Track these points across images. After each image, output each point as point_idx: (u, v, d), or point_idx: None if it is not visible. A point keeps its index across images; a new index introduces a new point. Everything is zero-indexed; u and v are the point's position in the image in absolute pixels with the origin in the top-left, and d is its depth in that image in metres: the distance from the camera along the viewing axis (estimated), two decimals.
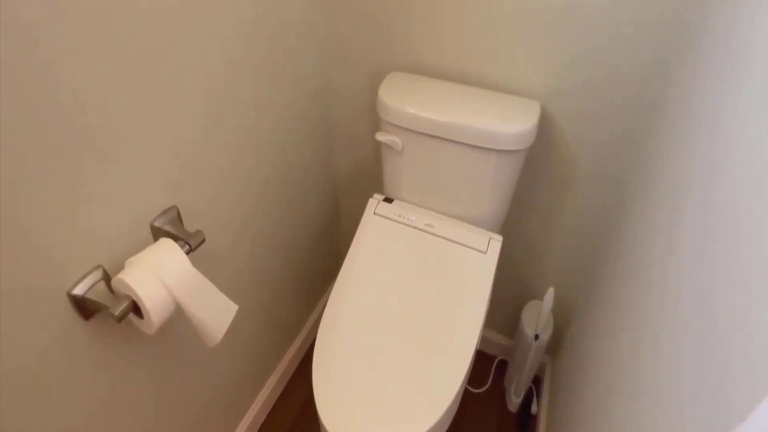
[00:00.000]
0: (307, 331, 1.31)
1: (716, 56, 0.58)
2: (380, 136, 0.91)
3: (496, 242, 0.90)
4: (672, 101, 0.71)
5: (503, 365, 1.33)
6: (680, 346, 0.44)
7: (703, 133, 0.54)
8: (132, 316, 0.60)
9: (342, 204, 1.30)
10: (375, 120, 1.08)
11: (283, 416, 1.20)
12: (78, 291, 0.56)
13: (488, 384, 1.28)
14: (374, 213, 0.96)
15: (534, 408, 1.19)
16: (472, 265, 0.87)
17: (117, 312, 0.54)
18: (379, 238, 0.93)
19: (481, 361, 1.33)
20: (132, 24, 0.53)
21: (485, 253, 0.88)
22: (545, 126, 0.90)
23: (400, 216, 0.95)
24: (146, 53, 0.56)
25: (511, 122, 0.80)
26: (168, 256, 0.60)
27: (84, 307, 0.57)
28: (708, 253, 0.43)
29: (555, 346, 1.24)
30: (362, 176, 1.20)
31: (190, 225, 0.73)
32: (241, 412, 1.09)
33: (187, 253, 0.65)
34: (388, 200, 0.98)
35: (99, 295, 0.57)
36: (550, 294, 1.01)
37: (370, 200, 0.98)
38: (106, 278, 0.59)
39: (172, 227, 0.68)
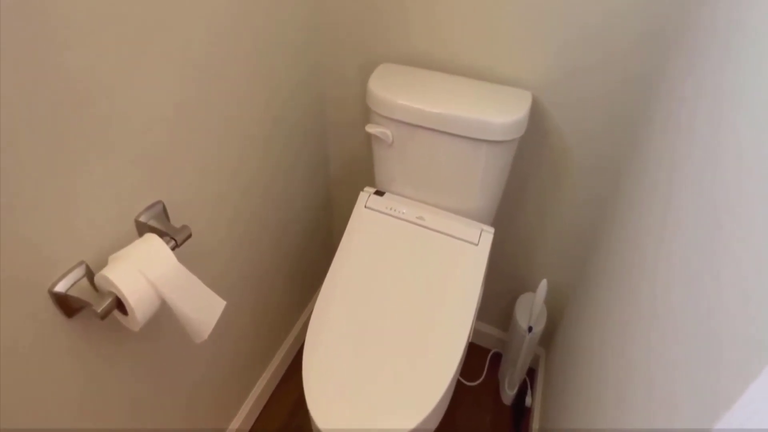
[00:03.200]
0: (301, 326, 1.31)
1: (714, 39, 0.57)
2: (370, 128, 0.90)
3: (488, 234, 0.89)
4: (668, 87, 0.71)
5: (497, 358, 1.33)
6: (670, 337, 0.44)
7: (700, 121, 0.54)
8: (116, 313, 0.58)
9: (335, 197, 1.29)
10: (367, 112, 1.07)
11: (276, 413, 1.19)
12: (60, 288, 0.55)
13: (482, 377, 1.28)
14: (365, 206, 0.95)
15: (528, 400, 1.20)
16: (464, 257, 0.87)
17: (100, 309, 0.53)
18: (370, 231, 0.92)
19: (476, 354, 1.33)
20: (111, 13, 0.52)
21: (477, 245, 0.88)
22: (538, 116, 0.89)
23: (391, 209, 0.94)
24: (129, 41, 0.55)
25: (501, 112, 0.79)
26: (153, 251, 0.59)
27: (66, 305, 0.56)
28: (700, 244, 0.43)
29: (549, 338, 1.24)
30: (356, 169, 1.19)
31: (177, 220, 0.72)
32: (232, 410, 1.09)
33: (173, 248, 0.63)
34: (379, 193, 0.97)
35: (82, 292, 0.56)
36: (543, 286, 1.01)
37: (361, 193, 0.97)
38: (89, 275, 0.58)
39: (157, 222, 0.67)
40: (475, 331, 1.34)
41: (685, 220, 0.48)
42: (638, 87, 0.78)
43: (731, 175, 0.39)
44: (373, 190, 0.98)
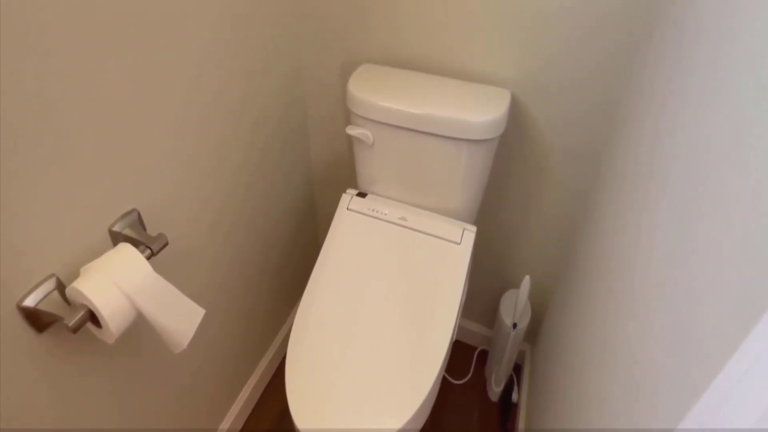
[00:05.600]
0: (287, 331, 1.30)
1: (700, 23, 0.58)
2: (350, 130, 0.90)
3: (470, 233, 0.89)
4: (646, 72, 0.69)
5: (484, 355, 1.34)
6: (646, 331, 0.44)
7: (676, 111, 0.54)
8: (90, 326, 0.57)
9: (319, 198, 1.28)
10: (349, 112, 1.06)
11: (263, 419, 1.18)
12: (29, 302, 0.53)
13: (470, 375, 1.29)
14: (347, 208, 0.95)
15: (515, 396, 1.21)
16: (447, 256, 0.87)
17: (71, 323, 0.51)
18: (353, 233, 0.92)
19: (462, 352, 1.34)
20: (78, 13, 0.50)
21: (459, 243, 0.88)
22: (517, 112, 0.90)
23: (373, 210, 0.94)
24: (97, 42, 0.53)
25: (480, 111, 0.80)
26: (127, 261, 0.57)
27: (37, 319, 0.54)
28: (675, 237, 0.44)
29: (534, 333, 1.25)
30: (339, 170, 1.18)
31: (154, 227, 0.71)
32: (218, 418, 1.07)
33: (149, 257, 0.62)
34: (362, 195, 0.97)
35: (53, 305, 0.54)
36: (526, 282, 1.02)
37: (343, 195, 0.97)
38: (60, 287, 0.56)
39: (132, 231, 0.65)
40: (462, 329, 1.34)
41: (661, 213, 0.49)
42: (615, 73, 0.78)
43: (710, 168, 0.40)
44: (355, 191, 0.98)
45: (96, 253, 0.61)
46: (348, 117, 1.07)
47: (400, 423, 0.69)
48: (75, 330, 0.52)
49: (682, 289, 0.38)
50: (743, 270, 0.29)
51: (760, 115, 0.32)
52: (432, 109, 0.80)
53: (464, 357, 1.33)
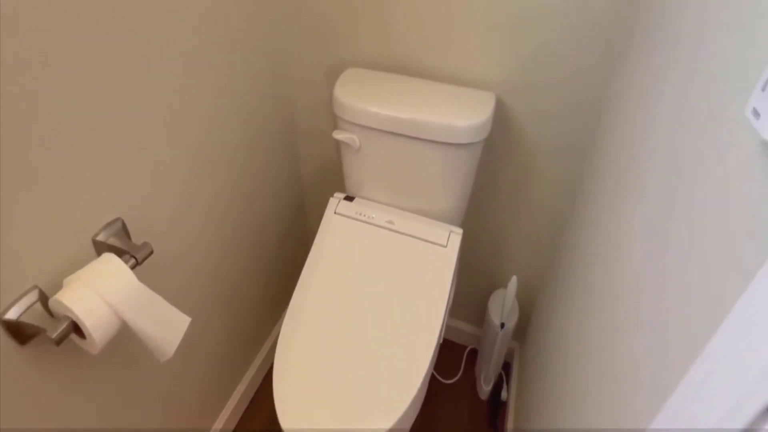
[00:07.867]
0: (277, 333, 1.29)
1: (678, 15, 0.58)
2: (337, 135, 0.90)
3: (456, 235, 0.90)
4: (629, 69, 0.70)
5: (474, 354, 1.35)
6: (626, 329, 0.45)
7: (657, 105, 0.55)
8: (75, 336, 0.57)
9: (308, 203, 1.28)
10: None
11: (256, 420, 1.18)
12: (11, 315, 0.52)
13: (459, 374, 1.30)
14: (335, 212, 0.95)
15: (504, 394, 1.22)
16: (433, 259, 0.88)
17: (54, 335, 0.51)
18: (341, 237, 0.92)
19: (452, 351, 1.35)
20: (57, 20, 0.50)
21: (445, 246, 0.89)
22: (503, 113, 0.91)
23: (360, 214, 0.94)
24: (78, 47, 0.53)
25: (465, 116, 0.80)
26: (110, 271, 0.57)
27: (19, 332, 0.54)
28: (648, 238, 0.45)
29: (522, 331, 1.27)
30: (328, 174, 1.19)
31: (139, 235, 0.70)
32: (216, 411, 1.07)
33: (133, 267, 0.62)
34: (349, 198, 0.97)
35: (35, 317, 0.54)
36: (513, 282, 1.03)
37: (331, 199, 0.97)
38: (43, 299, 0.55)
39: (116, 240, 0.65)
40: (452, 329, 1.35)
41: (638, 214, 0.50)
42: (598, 73, 0.79)
43: (681, 171, 0.41)
44: (342, 195, 0.98)
45: (79, 264, 0.60)
46: (335, 121, 1.07)
47: (389, 423, 0.70)
48: (58, 342, 0.51)
49: (653, 291, 0.39)
50: (708, 274, 0.30)
51: (730, 113, 0.33)
52: (417, 114, 0.81)
53: (454, 356, 1.34)
